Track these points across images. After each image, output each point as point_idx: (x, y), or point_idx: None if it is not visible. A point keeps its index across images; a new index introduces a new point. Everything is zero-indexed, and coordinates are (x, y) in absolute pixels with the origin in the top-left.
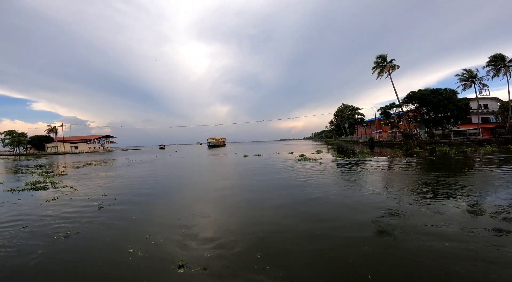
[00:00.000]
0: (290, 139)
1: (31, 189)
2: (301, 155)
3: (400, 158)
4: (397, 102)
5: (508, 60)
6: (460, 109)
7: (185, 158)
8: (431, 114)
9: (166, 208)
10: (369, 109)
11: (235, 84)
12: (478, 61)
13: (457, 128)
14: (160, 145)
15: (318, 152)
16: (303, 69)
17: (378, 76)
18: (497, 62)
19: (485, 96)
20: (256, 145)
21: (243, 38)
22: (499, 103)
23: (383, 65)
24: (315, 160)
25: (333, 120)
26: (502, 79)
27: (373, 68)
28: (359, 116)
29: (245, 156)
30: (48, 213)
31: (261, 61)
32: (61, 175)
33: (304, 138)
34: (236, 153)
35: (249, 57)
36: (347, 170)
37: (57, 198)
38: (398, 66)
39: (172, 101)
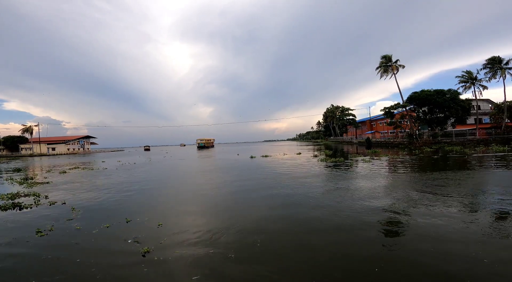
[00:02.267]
0: (274, 141)
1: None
2: (327, 156)
3: (433, 157)
4: (392, 103)
5: (504, 62)
6: (464, 110)
7: (186, 160)
8: (436, 114)
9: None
10: (355, 110)
11: (219, 85)
12: (468, 60)
13: (453, 128)
14: (145, 146)
15: (327, 153)
16: (287, 70)
17: (381, 77)
18: (494, 65)
19: (479, 98)
20: (244, 146)
21: (227, 39)
22: (490, 105)
23: (388, 66)
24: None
25: (321, 121)
26: (498, 81)
27: (377, 68)
28: (351, 117)
29: (252, 157)
30: None
31: (245, 62)
32: (44, 183)
33: (288, 140)
34: (238, 154)
35: (233, 58)
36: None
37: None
38: (403, 66)
39: (154, 101)
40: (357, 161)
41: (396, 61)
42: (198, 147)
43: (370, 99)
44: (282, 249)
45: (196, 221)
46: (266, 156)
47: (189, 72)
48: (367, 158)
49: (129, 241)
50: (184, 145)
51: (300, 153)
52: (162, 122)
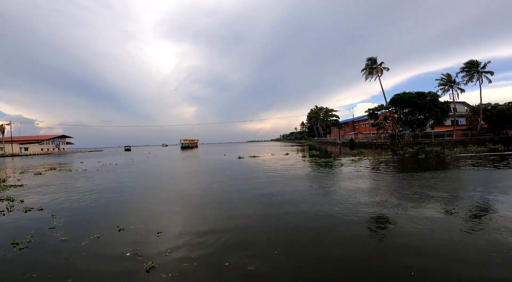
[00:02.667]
0: (258, 141)
1: None
2: (315, 156)
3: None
4: (375, 105)
5: (481, 66)
6: (443, 112)
7: (171, 160)
8: (417, 115)
9: None
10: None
11: (203, 84)
12: (445, 64)
13: (432, 129)
14: (125, 146)
15: (315, 153)
16: (272, 71)
17: (367, 78)
18: (471, 68)
19: (455, 100)
20: (228, 147)
21: (212, 39)
22: (466, 107)
23: (373, 68)
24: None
25: (305, 122)
26: (475, 84)
27: (362, 70)
28: (334, 118)
29: (240, 158)
30: None
31: (230, 62)
32: (17, 186)
33: (272, 140)
34: (225, 155)
35: (218, 58)
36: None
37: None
38: (388, 69)
39: (136, 100)
40: (348, 161)
41: (381, 64)
42: (181, 147)
43: (352, 101)
44: (301, 260)
45: (198, 228)
46: (254, 156)
47: (173, 72)
48: (356, 158)
49: (127, 254)
50: (166, 145)
51: (288, 154)
52: (144, 122)
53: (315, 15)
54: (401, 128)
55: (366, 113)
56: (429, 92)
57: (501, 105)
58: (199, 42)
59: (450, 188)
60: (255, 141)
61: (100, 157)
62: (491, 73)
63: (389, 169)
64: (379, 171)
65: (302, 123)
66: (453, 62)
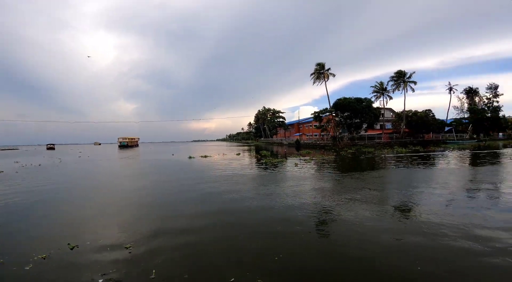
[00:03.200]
0: (204, 141)
1: None
2: (268, 156)
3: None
4: (315, 108)
5: (407, 76)
6: (376, 117)
7: (111, 160)
8: (354, 119)
9: None
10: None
11: (146, 80)
12: (376, 72)
13: (365, 132)
14: (48, 145)
15: (266, 154)
16: (221, 71)
17: (314, 82)
18: (399, 78)
19: (384, 107)
20: (173, 146)
21: (161, 33)
22: (391, 113)
23: (321, 73)
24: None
25: (252, 122)
26: (401, 92)
27: (311, 74)
28: (281, 119)
29: (190, 158)
30: None
31: (178, 58)
32: None
33: (218, 140)
34: (173, 154)
35: (166, 54)
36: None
37: None
38: (334, 75)
39: (64, 94)
40: (300, 160)
41: (328, 69)
42: (119, 146)
43: (295, 103)
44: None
45: (173, 237)
46: (205, 156)
47: (112, 65)
48: (307, 158)
49: (100, 281)
50: (99, 144)
51: (239, 154)
52: (73, 118)
53: (266, 18)
54: (341, 131)
55: (311, 116)
56: (365, 98)
57: (420, 112)
58: (146, 35)
59: (393, 184)
60: (201, 141)
61: (16, 156)
62: (415, 83)
63: (339, 168)
64: (332, 170)
65: (249, 124)
66: (384, 71)
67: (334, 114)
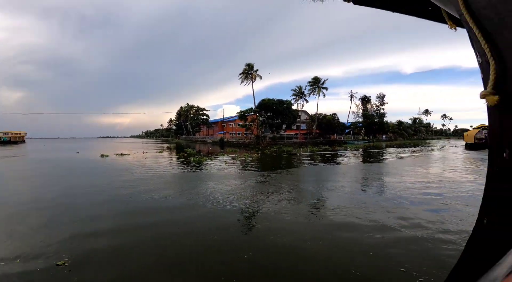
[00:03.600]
0: (114, 137)
1: None
2: (194, 155)
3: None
4: (238, 107)
5: (321, 82)
6: (294, 118)
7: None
8: (276, 120)
9: None
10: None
11: (39, 66)
12: (296, 76)
13: (284, 132)
14: None
15: (192, 152)
16: (141, 63)
17: (242, 82)
18: (315, 84)
19: (301, 109)
20: (75, 143)
21: (71, 17)
22: (306, 115)
23: (249, 73)
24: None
25: (172, 119)
26: (317, 97)
27: (240, 74)
28: (205, 117)
29: (103, 156)
30: None
31: (89, 46)
32: None
33: (132, 137)
34: (78, 152)
35: (73, 40)
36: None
37: None
38: (261, 77)
39: None
40: (229, 158)
41: (256, 70)
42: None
43: (218, 102)
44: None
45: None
46: (121, 154)
47: None
48: (235, 156)
49: None
50: None
51: (162, 151)
52: None
53: (195, 15)
54: (263, 130)
55: (235, 115)
56: (286, 101)
57: (328, 115)
58: (50, 17)
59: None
60: (111, 137)
61: None
62: (326, 88)
63: (266, 165)
64: (260, 168)
65: (170, 121)
66: (301, 76)
67: (258, 114)
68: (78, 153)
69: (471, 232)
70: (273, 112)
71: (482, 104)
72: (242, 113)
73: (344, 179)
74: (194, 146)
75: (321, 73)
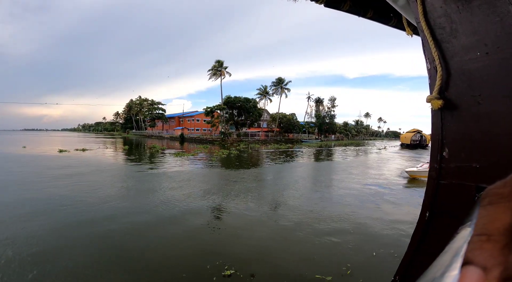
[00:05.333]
0: (41, 130)
1: None
2: (158, 150)
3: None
4: (189, 102)
5: (284, 83)
6: (259, 116)
7: None
8: (242, 117)
9: None
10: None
11: None
12: (258, 73)
13: (247, 130)
14: None
15: (157, 147)
16: (79, 53)
17: (210, 78)
18: (279, 84)
19: (265, 108)
20: None
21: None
22: (267, 114)
23: (219, 70)
24: None
25: (120, 112)
26: (280, 96)
27: (209, 70)
28: (160, 111)
29: (62, 151)
30: None
31: (17, 31)
32: None
33: (65, 130)
34: (24, 147)
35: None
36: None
37: None
38: (230, 74)
39: None
40: (213, 156)
41: (225, 68)
42: None
43: (168, 96)
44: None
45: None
46: (83, 150)
47: None
48: (211, 152)
49: None
50: None
51: (107, 147)
52: None
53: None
54: (229, 127)
55: (194, 110)
56: (252, 99)
57: (288, 115)
58: None
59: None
60: (38, 130)
61: None
62: (288, 90)
63: (247, 163)
64: (245, 165)
65: (117, 114)
66: (255, 74)
67: (224, 111)
68: (25, 147)
69: (415, 225)
70: (240, 110)
71: (410, 109)
72: (209, 109)
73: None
74: (147, 141)
75: (275, 72)
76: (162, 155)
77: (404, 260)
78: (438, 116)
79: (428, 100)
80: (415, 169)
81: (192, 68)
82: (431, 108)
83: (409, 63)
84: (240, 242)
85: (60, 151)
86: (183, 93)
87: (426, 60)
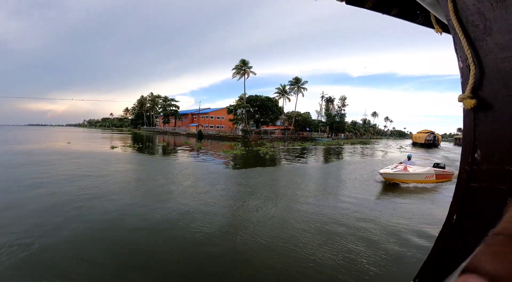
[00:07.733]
0: (45, 125)
1: None
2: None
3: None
4: (191, 99)
5: (301, 82)
6: (280, 114)
7: None
8: (263, 115)
9: None
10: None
11: None
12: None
13: (266, 128)
14: None
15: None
16: (85, 48)
17: (234, 77)
18: (295, 84)
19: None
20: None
21: None
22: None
23: (243, 69)
24: None
25: (129, 108)
26: (297, 96)
27: (233, 69)
28: (174, 108)
29: (113, 148)
30: None
31: (24, 27)
32: None
33: (69, 125)
34: (69, 142)
35: (4, 20)
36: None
37: None
38: (255, 73)
39: None
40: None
41: (250, 67)
42: None
43: (171, 93)
44: None
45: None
46: (113, 148)
47: None
48: (268, 147)
49: None
50: None
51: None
52: None
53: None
54: (250, 125)
55: (206, 107)
56: (273, 98)
57: (303, 113)
58: None
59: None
60: (42, 125)
61: None
62: (305, 89)
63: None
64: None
65: (126, 109)
66: (264, 71)
67: (246, 110)
68: (69, 143)
69: (441, 228)
70: (262, 108)
71: (413, 109)
72: (231, 107)
73: None
74: (161, 137)
75: (277, 70)
76: (215, 152)
77: (427, 263)
78: (470, 117)
79: (460, 99)
80: (390, 171)
81: (194, 65)
82: (463, 108)
83: (414, 63)
84: None
85: (112, 148)
86: (185, 90)
87: (458, 58)
